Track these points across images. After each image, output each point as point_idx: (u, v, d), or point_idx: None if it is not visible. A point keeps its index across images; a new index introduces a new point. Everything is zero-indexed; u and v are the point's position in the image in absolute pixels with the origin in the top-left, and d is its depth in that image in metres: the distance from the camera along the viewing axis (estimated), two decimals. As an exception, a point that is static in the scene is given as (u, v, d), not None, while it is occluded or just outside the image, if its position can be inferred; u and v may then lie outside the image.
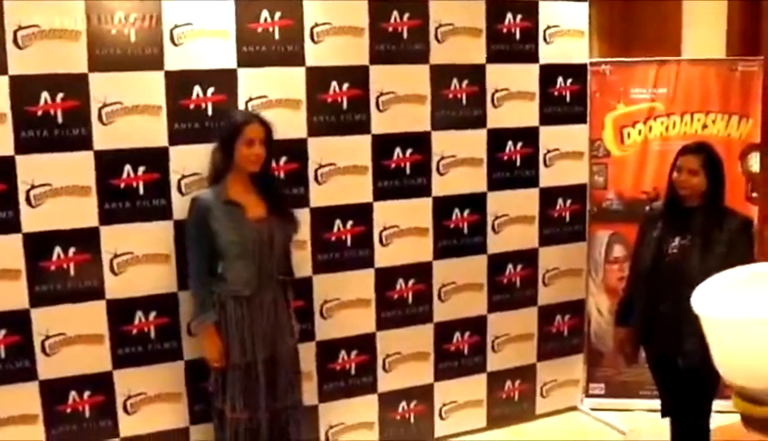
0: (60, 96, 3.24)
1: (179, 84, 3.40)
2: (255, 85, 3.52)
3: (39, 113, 3.21)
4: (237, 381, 3.27)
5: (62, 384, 3.37)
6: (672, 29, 4.87)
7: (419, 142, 3.86)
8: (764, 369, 2.11)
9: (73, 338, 3.35)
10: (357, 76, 3.70)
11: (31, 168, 3.22)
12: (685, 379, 3.22)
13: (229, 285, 3.26)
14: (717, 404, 3.30)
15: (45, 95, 3.22)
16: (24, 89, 3.18)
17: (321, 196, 3.67)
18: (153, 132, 3.39)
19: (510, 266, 4.17)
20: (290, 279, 3.48)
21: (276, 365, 3.35)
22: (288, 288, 3.46)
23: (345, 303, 3.81)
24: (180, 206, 3.43)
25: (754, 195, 4.35)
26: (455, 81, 3.90)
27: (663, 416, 3.45)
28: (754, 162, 4.34)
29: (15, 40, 3.14)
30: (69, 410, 3.39)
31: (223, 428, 3.34)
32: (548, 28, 4.08)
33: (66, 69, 3.24)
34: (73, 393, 3.39)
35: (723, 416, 3.79)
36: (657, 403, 3.57)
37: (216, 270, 3.29)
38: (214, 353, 3.27)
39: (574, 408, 4.48)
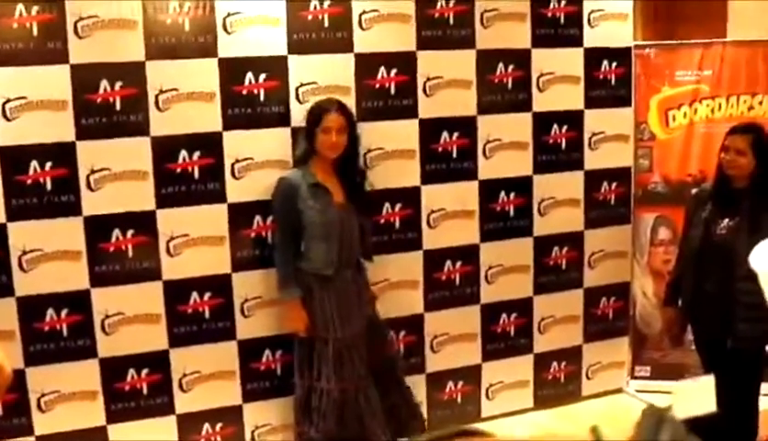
0: (118, 84, 3.35)
1: (232, 70, 3.49)
2: (306, 72, 3.60)
3: (99, 100, 3.33)
4: (329, 355, 3.41)
5: (120, 362, 3.50)
6: (716, 10, 4.84)
7: (465, 126, 3.91)
8: None
9: (131, 318, 3.47)
10: (405, 62, 3.76)
11: (91, 153, 3.34)
12: (733, 361, 3.23)
13: (311, 263, 3.41)
14: (765, 387, 3.32)
15: (104, 83, 3.34)
16: (84, 77, 3.30)
17: (370, 180, 3.73)
18: (208, 118, 3.48)
19: (556, 249, 4.20)
20: (370, 261, 3.63)
21: (367, 340, 3.51)
22: (365, 269, 3.62)
23: (394, 284, 3.87)
24: (234, 189, 3.53)
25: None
26: (500, 65, 3.94)
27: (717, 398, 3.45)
28: (802, 143, 4.31)
29: (75, 30, 3.26)
30: (127, 387, 3.52)
31: (308, 401, 3.47)
32: (593, 11, 4.09)
33: (124, 57, 3.35)
34: (131, 371, 3.52)
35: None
36: (704, 385, 3.58)
37: (299, 248, 3.43)
38: (300, 325, 3.44)
39: (619, 390, 4.50)
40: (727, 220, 3.27)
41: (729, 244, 3.19)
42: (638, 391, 4.48)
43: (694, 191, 3.76)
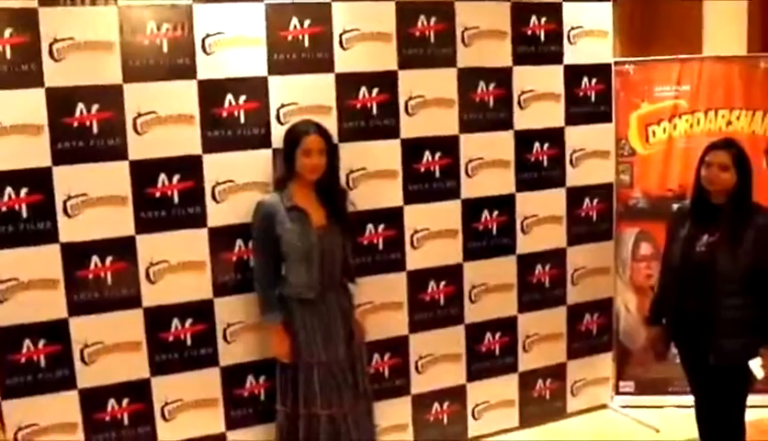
0: (95, 107, 3.27)
1: (212, 92, 3.44)
2: (286, 93, 3.55)
3: (75, 124, 3.25)
4: (314, 380, 3.36)
5: (100, 392, 3.40)
6: (693, 27, 4.89)
7: (448, 146, 3.88)
8: None
9: (111, 346, 3.39)
10: (386, 81, 3.73)
11: (68, 179, 3.26)
12: (717, 377, 3.24)
13: (292, 287, 3.36)
14: (752, 399, 3.32)
15: (81, 106, 3.26)
16: (60, 101, 3.22)
17: (352, 200, 3.68)
18: (187, 141, 3.42)
19: (539, 266, 4.19)
20: (352, 284, 3.58)
21: (351, 364, 3.46)
22: (351, 293, 3.58)
23: (378, 306, 3.83)
24: (214, 213, 3.47)
25: (779, 190, 4.36)
26: (482, 83, 3.93)
27: (698, 415, 3.46)
28: (780, 157, 4.36)
29: (50, 53, 3.18)
30: (108, 418, 3.43)
31: (292, 428, 3.41)
32: (573, 28, 4.10)
33: (101, 80, 3.28)
34: (111, 401, 3.43)
35: (758, 411, 3.87)
36: (687, 399, 3.59)
37: (280, 272, 3.39)
38: (283, 350, 3.39)
39: (605, 406, 4.50)
40: (706, 236, 3.27)
41: (710, 261, 3.19)
42: (622, 407, 4.48)
43: (674, 207, 3.77)
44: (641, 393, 4.51)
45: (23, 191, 3.20)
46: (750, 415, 3.34)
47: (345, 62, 3.64)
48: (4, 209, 3.19)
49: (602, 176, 4.29)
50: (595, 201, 4.28)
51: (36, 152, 3.20)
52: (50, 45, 3.18)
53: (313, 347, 3.37)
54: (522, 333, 4.20)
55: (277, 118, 3.54)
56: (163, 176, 3.40)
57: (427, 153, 3.85)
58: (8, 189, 3.19)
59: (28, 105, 3.18)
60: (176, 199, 3.43)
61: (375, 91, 3.71)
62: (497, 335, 4.14)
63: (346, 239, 3.50)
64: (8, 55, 3.13)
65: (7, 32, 3.13)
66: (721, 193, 3.26)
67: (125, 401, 3.45)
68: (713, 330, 3.17)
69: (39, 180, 3.22)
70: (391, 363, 3.91)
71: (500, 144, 4.00)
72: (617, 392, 4.55)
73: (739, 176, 3.24)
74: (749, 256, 3.13)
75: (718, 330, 3.17)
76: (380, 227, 3.80)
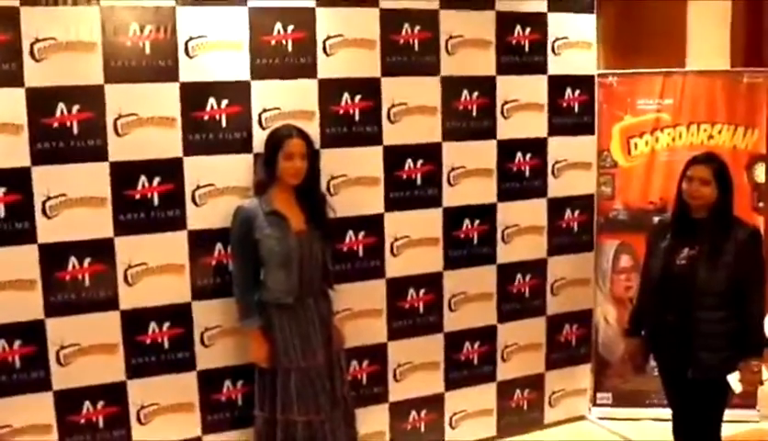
0: (76, 107, 3.26)
1: (194, 95, 3.43)
2: (269, 97, 3.54)
3: (56, 125, 3.24)
4: (291, 386, 3.34)
5: (76, 394, 3.38)
6: (676, 40, 4.92)
7: (430, 153, 3.89)
8: None
9: (87, 348, 3.36)
10: (369, 88, 3.73)
11: (47, 179, 3.24)
12: (695, 390, 3.24)
13: (271, 292, 3.35)
14: (728, 414, 3.34)
15: (61, 106, 3.24)
16: (40, 101, 3.20)
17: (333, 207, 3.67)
18: (168, 143, 3.41)
19: (519, 276, 4.19)
20: (331, 290, 3.57)
21: (329, 371, 3.45)
22: (330, 299, 3.57)
23: (357, 313, 3.82)
24: (194, 216, 3.46)
25: (761, 205, 4.39)
26: (465, 92, 3.94)
27: (675, 429, 3.47)
28: (760, 172, 4.38)
29: (31, 53, 3.16)
30: (83, 420, 3.40)
31: (270, 434, 3.40)
32: (557, 39, 4.12)
33: (82, 81, 3.26)
34: (86, 403, 3.40)
35: (735, 425, 3.88)
36: (664, 412, 3.60)
37: (259, 277, 3.38)
38: (261, 355, 3.39)
39: (582, 417, 4.51)
40: (687, 249, 3.28)
41: (689, 274, 3.20)
42: (600, 419, 4.49)
43: (654, 220, 3.78)
44: (619, 405, 4.52)
45: (1, 191, 3.18)
46: (726, 430, 3.35)
47: (329, 67, 3.64)
48: (-18, 208, 3.17)
49: (583, 188, 4.30)
50: (576, 212, 4.30)
51: (15, 152, 3.18)
52: (32, 45, 3.16)
53: (291, 353, 3.35)
54: (501, 342, 4.20)
55: (259, 122, 3.54)
56: (143, 178, 3.39)
57: (409, 161, 3.85)
58: (-14, 188, 3.17)
59: (8, 104, 3.15)
60: (156, 202, 3.41)
61: (358, 97, 3.71)
62: (476, 344, 4.14)
63: (326, 245, 3.50)
64: (-12, 54, 3.12)
65: (-12, 31, 3.11)
66: (702, 207, 3.27)
67: (100, 404, 3.42)
68: (692, 343, 3.19)
69: (17, 180, 3.20)
70: (369, 370, 3.91)
71: (482, 153, 4.01)
72: (595, 404, 4.56)
73: (720, 191, 3.25)
74: (729, 270, 3.15)
75: (697, 343, 3.18)
76: (361, 234, 3.79)
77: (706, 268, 3.17)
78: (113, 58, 3.29)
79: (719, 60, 4.83)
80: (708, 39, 4.87)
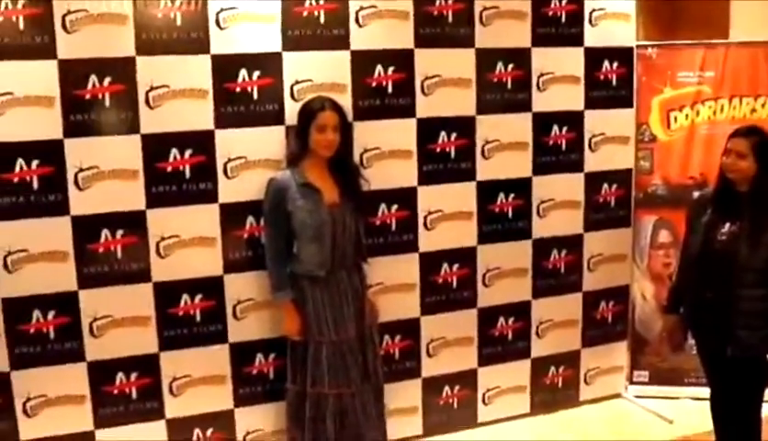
0: (107, 79, 3.26)
1: (225, 67, 3.40)
2: (301, 69, 3.51)
3: (87, 97, 3.24)
4: (322, 358, 3.33)
5: (109, 365, 3.41)
6: (719, 10, 4.78)
7: (464, 126, 3.83)
8: None
9: (120, 320, 3.39)
10: (402, 60, 3.68)
11: (79, 151, 3.25)
12: (734, 369, 3.17)
13: (303, 265, 3.34)
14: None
15: (93, 78, 3.24)
16: (72, 73, 3.21)
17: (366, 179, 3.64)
18: (200, 116, 3.40)
19: (555, 252, 4.13)
20: (364, 263, 3.54)
21: (361, 345, 3.44)
22: (364, 273, 3.54)
23: (390, 287, 3.79)
24: (226, 189, 3.45)
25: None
26: (500, 64, 3.86)
27: (713, 407, 3.39)
28: (805, 146, 4.24)
29: (63, 25, 3.16)
30: (116, 391, 3.43)
31: (301, 406, 3.40)
32: (594, 10, 4.02)
33: (114, 53, 3.26)
34: (120, 375, 3.43)
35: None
36: (702, 391, 3.52)
37: (291, 250, 3.36)
38: (293, 328, 3.38)
39: (618, 395, 4.44)
40: (728, 225, 3.19)
41: (730, 250, 3.11)
42: (636, 397, 4.42)
43: (695, 195, 3.69)
44: (656, 383, 4.44)
45: (34, 163, 3.20)
46: (766, 410, 3.27)
47: (361, 39, 3.59)
48: (15, 180, 3.18)
49: (621, 162, 4.21)
50: (614, 187, 4.20)
51: (48, 125, 3.19)
52: (63, 17, 3.16)
53: (323, 325, 3.34)
54: (535, 318, 4.14)
55: (291, 94, 3.50)
56: (174, 151, 3.38)
57: (443, 134, 3.79)
58: (20, 161, 3.18)
59: (41, 77, 3.16)
60: (188, 174, 3.41)
61: (391, 69, 3.66)
62: (510, 320, 4.09)
63: (359, 217, 3.46)
64: (21, 26, 3.12)
65: (20, 3, 3.11)
66: (743, 181, 3.18)
67: (133, 375, 3.45)
68: (731, 321, 3.10)
69: (50, 152, 3.21)
70: (402, 345, 3.88)
71: (517, 126, 3.94)
72: (631, 382, 4.48)
73: (760, 164, 3.16)
74: (769, 247, 3.06)
75: (737, 321, 3.09)
76: (393, 207, 3.76)
77: (747, 244, 3.07)
78: (144, 30, 3.28)
79: (764, 31, 4.67)
80: (752, 9, 4.72)
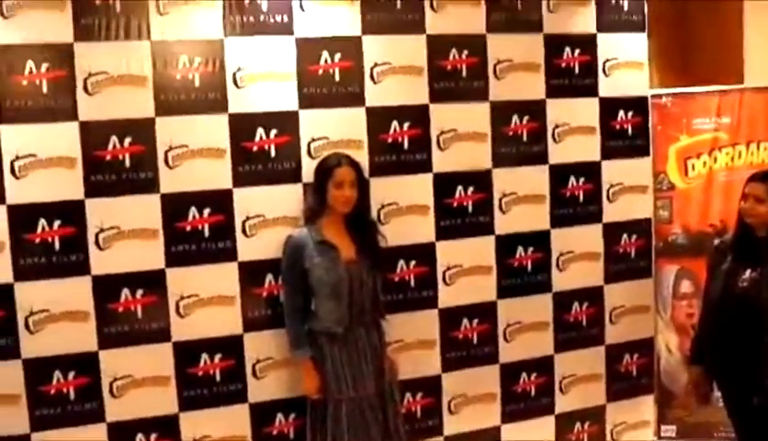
0: (127, 140, 3.31)
1: (242, 126, 3.45)
2: (317, 127, 3.55)
3: (108, 157, 3.29)
4: (342, 416, 3.29)
5: (130, 426, 3.37)
6: (733, 55, 4.80)
7: (480, 180, 3.83)
8: None
9: (140, 380, 3.37)
10: (418, 115, 3.71)
11: (100, 211, 3.28)
12: (761, 418, 3.10)
13: (321, 322, 3.33)
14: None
15: (114, 139, 3.29)
16: (93, 134, 3.26)
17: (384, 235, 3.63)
18: (218, 175, 3.43)
19: (576, 305, 4.08)
20: (383, 319, 3.53)
21: (382, 402, 3.40)
22: (383, 329, 3.52)
23: (410, 344, 3.75)
24: (245, 247, 3.46)
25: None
26: (515, 117, 3.88)
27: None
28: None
29: (85, 87, 3.23)
30: (136, 453, 3.40)
31: None
32: (608, 60, 4.05)
33: (134, 114, 3.32)
34: (140, 436, 3.40)
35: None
36: (733, 444, 3.45)
37: (309, 306, 3.35)
38: (312, 386, 3.36)
39: (646, 450, 4.35)
40: (749, 271, 3.18)
41: (753, 297, 3.09)
42: (664, 452, 4.33)
43: (715, 243, 3.66)
44: (684, 437, 4.36)
45: (56, 223, 3.23)
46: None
47: (377, 95, 3.63)
48: (37, 240, 3.21)
49: (640, 211, 4.18)
50: (633, 237, 4.17)
51: (69, 185, 3.24)
52: (85, 79, 3.23)
53: (342, 383, 3.31)
54: (558, 373, 4.08)
55: (308, 152, 3.54)
56: (193, 210, 3.40)
57: (460, 188, 3.80)
58: (42, 221, 3.21)
59: (63, 138, 3.22)
60: (207, 233, 3.42)
61: (406, 125, 3.69)
62: (533, 375, 4.02)
63: (376, 274, 3.46)
64: (44, 89, 3.19)
65: (44, 67, 3.18)
66: (763, 226, 3.17)
67: (153, 436, 3.41)
68: (757, 369, 3.05)
69: (71, 212, 3.25)
70: (423, 403, 3.82)
71: (534, 179, 3.94)
72: (659, 437, 4.39)
73: None
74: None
75: (763, 369, 3.04)
76: (412, 263, 3.74)
77: (769, 291, 3.05)
78: (163, 91, 3.34)
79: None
80: (766, 53, 4.73)
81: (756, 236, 3.20)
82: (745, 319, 3.10)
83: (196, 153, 3.39)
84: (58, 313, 3.25)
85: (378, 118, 3.65)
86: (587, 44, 4.01)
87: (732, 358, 3.18)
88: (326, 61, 3.56)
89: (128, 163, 3.31)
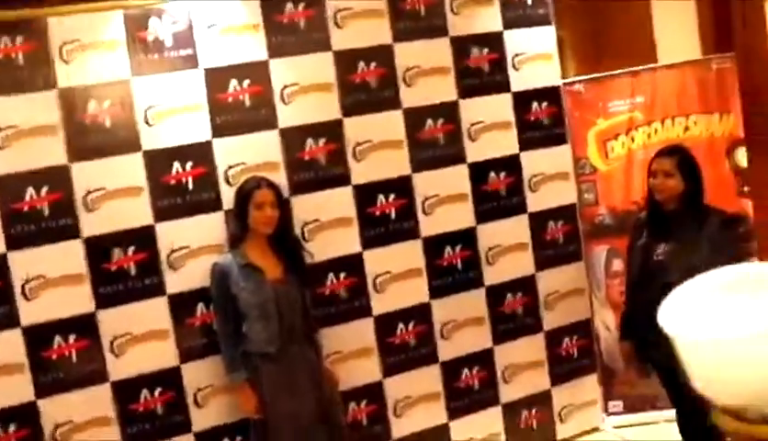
0: (44, 189, 3.34)
1: (158, 162, 3.49)
2: (232, 154, 3.60)
3: (26, 208, 3.31)
4: (283, 435, 3.35)
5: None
6: (643, 36, 4.89)
7: (401, 186, 3.90)
8: (748, 386, 2.07)
9: (82, 425, 3.40)
10: (331, 130, 3.76)
11: (24, 263, 3.31)
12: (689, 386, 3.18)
13: (254, 343, 3.38)
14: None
15: (30, 190, 3.32)
16: (9, 188, 3.29)
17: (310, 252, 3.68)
18: (138, 212, 3.47)
19: (509, 296, 4.16)
20: (315, 334, 3.59)
21: (324, 416, 3.44)
22: (319, 344, 3.59)
23: (348, 355, 3.82)
24: (172, 281, 3.50)
25: (745, 189, 4.31)
26: (429, 121, 3.95)
27: (681, 429, 3.41)
28: (741, 156, 4.30)
29: (-6, 143, 3.26)
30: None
31: None
32: (516, 55, 4.12)
33: (48, 162, 3.35)
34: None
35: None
36: (674, 413, 3.53)
37: (241, 331, 3.40)
38: (250, 407, 3.41)
39: (596, 429, 4.43)
40: (663, 245, 3.26)
41: (667, 268, 3.16)
42: (614, 427, 4.42)
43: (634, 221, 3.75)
44: (631, 411, 4.45)
45: (-20, 284, 3.26)
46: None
47: (289, 116, 3.69)
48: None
49: (563, 198, 4.27)
50: (560, 223, 4.26)
51: (-10, 243, 3.26)
52: (-6, 135, 3.25)
53: (279, 402, 3.36)
54: (500, 364, 4.15)
55: (226, 179, 3.59)
56: (117, 250, 3.44)
57: (381, 197, 3.86)
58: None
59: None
60: (133, 271, 3.46)
61: (321, 141, 3.75)
62: (474, 370, 4.10)
63: (305, 290, 3.52)
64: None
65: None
66: (672, 200, 3.26)
67: (98, 479, 3.45)
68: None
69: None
70: (368, 410, 3.89)
71: (455, 179, 4.01)
72: (607, 413, 4.48)
73: (686, 181, 3.23)
74: (705, 260, 3.10)
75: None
76: (341, 275, 3.80)
77: (684, 262, 3.12)
78: (75, 137, 3.38)
79: (691, 48, 4.78)
80: (676, 32, 4.83)
81: (666, 210, 3.29)
82: (662, 291, 3.18)
83: (114, 194, 3.43)
84: (-8, 368, 3.27)
85: (293, 138, 3.70)
86: (494, 42, 4.08)
87: (654, 330, 3.26)
88: (235, 88, 3.60)
89: (47, 211, 3.34)
